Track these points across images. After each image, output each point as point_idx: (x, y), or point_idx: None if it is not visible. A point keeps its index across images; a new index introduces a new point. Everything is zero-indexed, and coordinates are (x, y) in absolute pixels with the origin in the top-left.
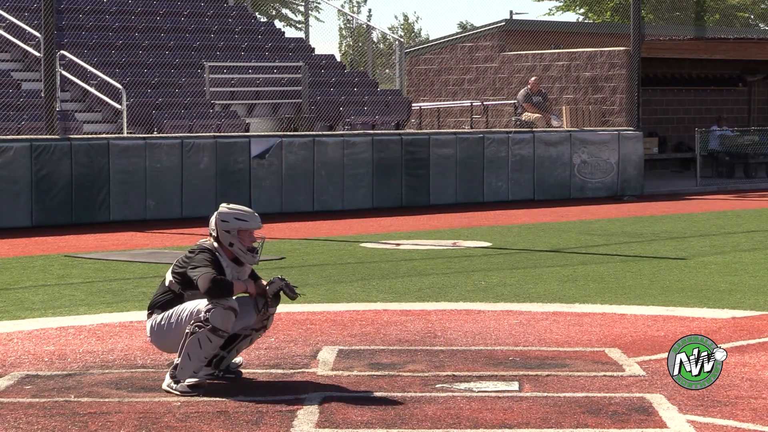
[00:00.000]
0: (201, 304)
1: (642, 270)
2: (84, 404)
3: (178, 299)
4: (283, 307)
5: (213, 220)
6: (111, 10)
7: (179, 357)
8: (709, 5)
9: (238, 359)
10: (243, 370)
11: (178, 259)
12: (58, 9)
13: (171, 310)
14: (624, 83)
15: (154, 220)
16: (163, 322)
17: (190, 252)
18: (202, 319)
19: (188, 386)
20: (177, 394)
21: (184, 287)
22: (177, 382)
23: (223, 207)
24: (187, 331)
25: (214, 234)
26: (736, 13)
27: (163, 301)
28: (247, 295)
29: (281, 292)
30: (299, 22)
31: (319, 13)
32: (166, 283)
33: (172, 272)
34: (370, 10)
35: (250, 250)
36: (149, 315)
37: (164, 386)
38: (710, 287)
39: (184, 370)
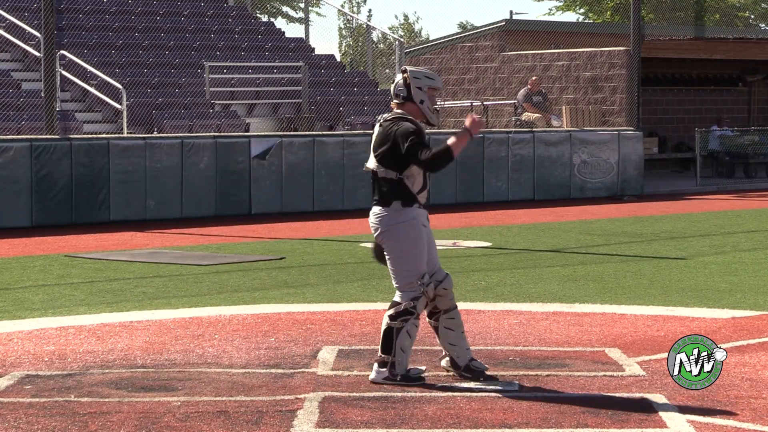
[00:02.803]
0: (409, 287)
1: (642, 270)
2: (84, 404)
3: (401, 184)
4: (283, 307)
5: (400, 81)
6: (111, 10)
7: (392, 354)
8: (709, 5)
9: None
10: (243, 371)
11: (381, 145)
12: (58, 9)
13: (391, 243)
14: (624, 83)
15: (154, 220)
16: (398, 246)
17: (386, 132)
18: (408, 308)
19: (416, 376)
20: (402, 384)
21: (400, 171)
22: (396, 375)
23: (409, 67)
24: (391, 326)
25: (403, 94)
26: (737, 13)
27: (389, 193)
28: (431, 245)
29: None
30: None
31: (320, 8)
32: (381, 176)
33: (383, 163)
34: (369, 10)
35: (435, 110)
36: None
37: (378, 379)
38: (710, 287)
39: (401, 364)
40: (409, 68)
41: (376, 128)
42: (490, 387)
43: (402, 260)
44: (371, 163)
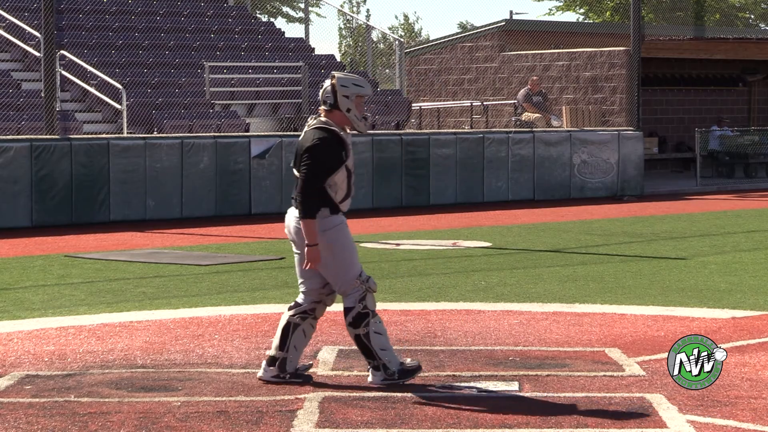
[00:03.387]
0: (350, 275)
1: (642, 270)
2: (84, 404)
3: (325, 193)
4: (283, 308)
5: (328, 87)
6: (111, 10)
7: (377, 357)
8: (709, 5)
9: (307, 369)
10: (243, 371)
11: (303, 156)
12: (58, 9)
13: (324, 252)
14: (624, 83)
15: (154, 220)
16: (331, 246)
17: (308, 147)
18: (361, 312)
19: (411, 369)
20: (400, 382)
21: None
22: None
23: (337, 74)
24: (359, 334)
25: (330, 101)
26: (737, 13)
27: (319, 198)
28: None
29: None
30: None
31: (320, 8)
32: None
33: (305, 171)
34: (368, 10)
35: (363, 117)
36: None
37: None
38: (710, 287)
39: (392, 362)
40: (337, 74)
41: (302, 133)
42: (491, 387)
43: (339, 265)
44: (296, 169)
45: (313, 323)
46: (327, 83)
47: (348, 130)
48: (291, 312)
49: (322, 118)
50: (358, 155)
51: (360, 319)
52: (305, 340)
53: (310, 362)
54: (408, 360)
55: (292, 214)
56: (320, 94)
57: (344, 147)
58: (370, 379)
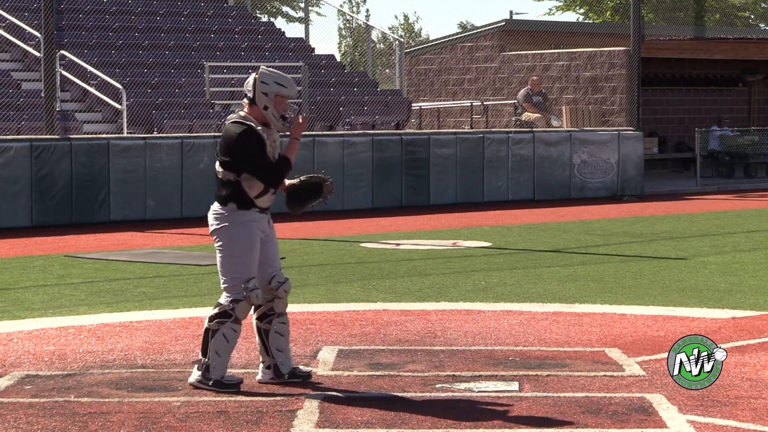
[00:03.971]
0: (231, 288)
1: (642, 270)
2: (84, 404)
3: (238, 186)
4: None
5: (251, 80)
6: (111, 10)
7: (207, 357)
8: (709, 5)
9: (306, 368)
10: (243, 371)
11: (220, 144)
12: (58, 9)
13: (222, 243)
14: (624, 83)
15: (154, 220)
16: (216, 243)
17: (227, 137)
18: (227, 310)
19: (229, 385)
20: (213, 390)
21: (238, 174)
22: (209, 379)
23: (264, 68)
24: (207, 327)
25: (249, 95)
26: (737, 12)
27: (226, 194)
28: (271, 252)
29: (305, 189)
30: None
31: (320, 8)
32: (220, 176)
33: (221, 164)
34: (367, 10)
35: (281, 117)
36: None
37: (193, 381)
38: (710, 287)
39: (216, 369)
40: (262, 69)
41: (223, 127)
42: (490, 387)
43: (230, 262)
44: (216, 163)
45: (279, 322)
46: (251, 76)
47: (271, 128)
48: (256, 316)
49: (242, 113)
50: (358, 155)
51: (220, 316)
52: (283, 340)
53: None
54: (227, 376)
55: (211, 210)
56: (244, 85)
57: (262, 142)
58: (190, 378)
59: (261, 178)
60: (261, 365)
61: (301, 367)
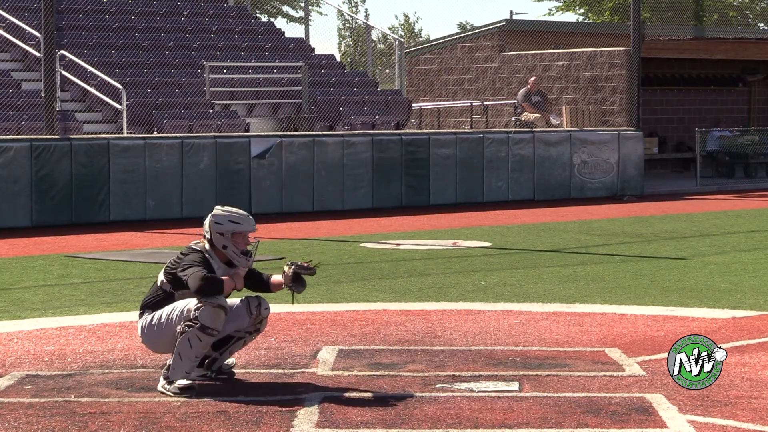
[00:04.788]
0: (191, 303)
1: (642, 270)
2: (84, 404)
3: (170, 299)
4: (284, 307)
5: (207, 222)
6: (111, 10)
7: (172, 358)
8: (707, 5)
9: (230, 360)
10: (243, 371)
11: (171, 260)
12: (58, 9)
13: (161, 310)
14: (624, 83)
15: (154, 220)
16: (153, 322)
17: (181, 254)
18: (191, 317)
19: (179, 388)
20: (170, 395)
21: (175, 287)
22: (170, 383)
23: (218, 209)
24: (177, 330)
25: (207, 236)
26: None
27: (154, 301)
28: (238, 299)
29: (300, 275)
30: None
31: (320, 7)
32: (158, 283)
33: (164, 272)
34: (366, 10)
35: (243, 253)
36: (141, 315)
37: (159, 387)
38: (710, 287)
39: (176, 371)
40: (215, 210)
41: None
42: (490, 387)
43: (183, 302)
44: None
45: (255, 336)
46: (207, 218)
47: (235, 265)
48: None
49: (204, 245)
50: (358, 155)
51: (188, 323)
52: (242, 347)
53: (232, 360)
54: (183, 380)
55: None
56: (203, 226)
57: (206, 262)
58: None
59: (191, 283)
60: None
61: (226, 366)
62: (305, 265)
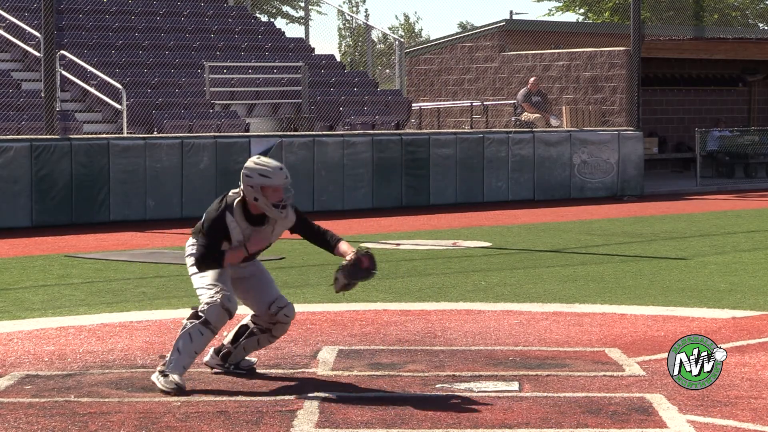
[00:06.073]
0: (205, 295)
1: (642, 270)
2: (84, 404)
3: None
4: None
5: (241, 173)
6: (111, 10)
7: (171, 353)
8: (707, 5)
9: (252, 359)
10: (242, 370)
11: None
12: (58, 9)
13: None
14: (624, 83)
15: (154, 220)
16: (190, 271)
17: (206, 213)
18: (198, 310)
19: (174, 384)
20: (160, 388)
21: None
22: (165, 375)
23: (251, 160)
24: (183, 321)
25: (241, 186)
26: (731, 12)
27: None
28: (260, 284)
29: (362, 268)
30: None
31: (320, 7)
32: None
33: (192, 233)
34: (366, 10)
35: (275, 206)
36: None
37: (152, 378)
38: (710, 287)
39: (173, 364)
40: (247, 163)
41: None
42: (490, 387)
43: (199, 281)
44: None
45: (271, 339)
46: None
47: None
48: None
49: (236, 192)
50: (358, 155)
51: (193, 316)
52: (257, 347)
53: (254, 359)
54: (178, 377)
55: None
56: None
57: (221, 231)
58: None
59: (194, 252)
60: (212, 349)
61: (245, 362)
62: (371, 267)
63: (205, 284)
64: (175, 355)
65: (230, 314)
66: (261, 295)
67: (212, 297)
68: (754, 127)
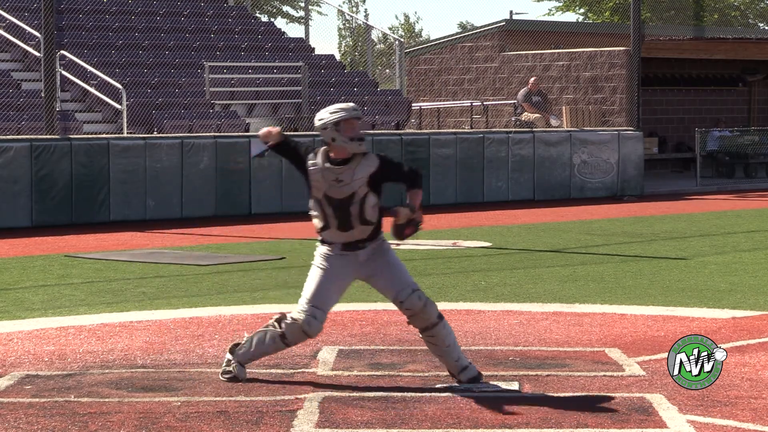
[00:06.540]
0: (299, 306)
1: (642, 270)
2: (84, 404)
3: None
4: (283, 308)
5: (316, 125)
6: (111, 10)
7: (236, 354)
8: (708, 5)
9: (471, 372)
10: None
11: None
12: (58, 9)
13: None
14: (624, 83)
15: (154, 220)
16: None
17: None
18: (285, 319)
19: (232, 373)
20: (223, 367)
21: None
22: (229, 372)
23: (321, 112)
24: (269, 325)
25: (320, 137)
26: (732, 12)
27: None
28: (384, 281)
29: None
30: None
31: (320, 7)
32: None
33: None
34: (366, 10)
35: (351, 139)
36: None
37: (227, 351)
38: (710, 287)
39: (243, 353)
40: (321, 112)
41: None
42: (490, 387)
43: (306, 283)
44: None
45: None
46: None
47: (349, 153)
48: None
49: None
50: None
51: (279, 321)
52: (438, 348)
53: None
54: (241, 369)
55: None
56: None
57: (306, 174)
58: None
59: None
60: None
61: (465, 372)
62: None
63: (308, 294)
64: (248, 346)
65: (309, 336)
66: (387, 292)
67: (300, 314)
68: (754, 127)
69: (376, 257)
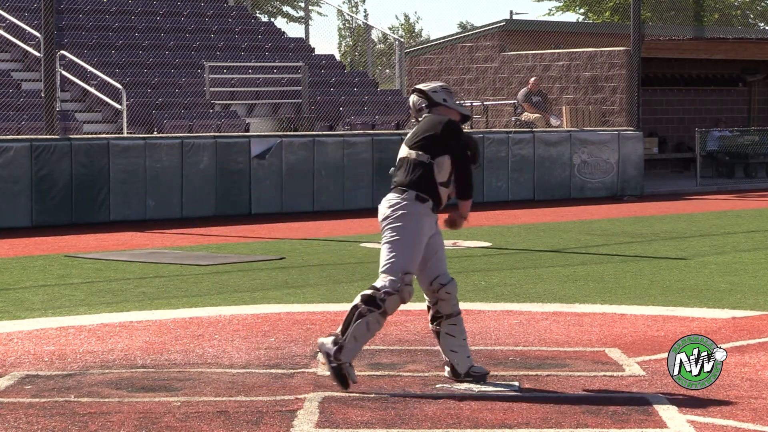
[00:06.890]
0: (392, 277)
1: (642, 270)
2: (84, 404)
3: (428, 170)
4: (283, 308)
5: (413, 97)
6: (111, 10)
7: (345, 339)
8: (708, 4)
9: (480, 369)
10: (243, 371)
11: (418, 132)
12: (58, 9)
13: (393, 229)
14: (624, 83)
15: (154, 220)
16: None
17: (433, 122)
18: (377, 300)
19: (345, 373)
20: (333, 372)
21: (433, 156)
22: (335, 359)
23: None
24: (357, 305)
25: (425, 104)
26: (733, 12)
27: (411, 179)
28: (433, 256)
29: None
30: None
31: (320, 7)
32: (413, 157)
33: (419, 147)
34: (365, 10)
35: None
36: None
37: (321, 356)
38: (710, 287)
39: (348, 351)
40: (412, 96)
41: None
42: (490, 387)
43: (395, 247)
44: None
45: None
46: (412, 97)
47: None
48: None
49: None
50: (358, 155)
51: (370, 303)
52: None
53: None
54: (351, 368)
55: (386, 199)
56: (412, 109)
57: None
58: (323, 340)
59: (466, 164)
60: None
61: (476, 366)
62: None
63: (400, 258)
64: (351, 343)
65: (405, 303)
66: (431, 267)
67: (394, 284)
68: (754, 127)
69: (438, 227)
